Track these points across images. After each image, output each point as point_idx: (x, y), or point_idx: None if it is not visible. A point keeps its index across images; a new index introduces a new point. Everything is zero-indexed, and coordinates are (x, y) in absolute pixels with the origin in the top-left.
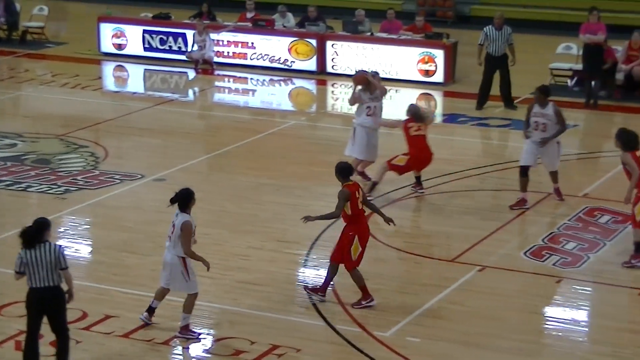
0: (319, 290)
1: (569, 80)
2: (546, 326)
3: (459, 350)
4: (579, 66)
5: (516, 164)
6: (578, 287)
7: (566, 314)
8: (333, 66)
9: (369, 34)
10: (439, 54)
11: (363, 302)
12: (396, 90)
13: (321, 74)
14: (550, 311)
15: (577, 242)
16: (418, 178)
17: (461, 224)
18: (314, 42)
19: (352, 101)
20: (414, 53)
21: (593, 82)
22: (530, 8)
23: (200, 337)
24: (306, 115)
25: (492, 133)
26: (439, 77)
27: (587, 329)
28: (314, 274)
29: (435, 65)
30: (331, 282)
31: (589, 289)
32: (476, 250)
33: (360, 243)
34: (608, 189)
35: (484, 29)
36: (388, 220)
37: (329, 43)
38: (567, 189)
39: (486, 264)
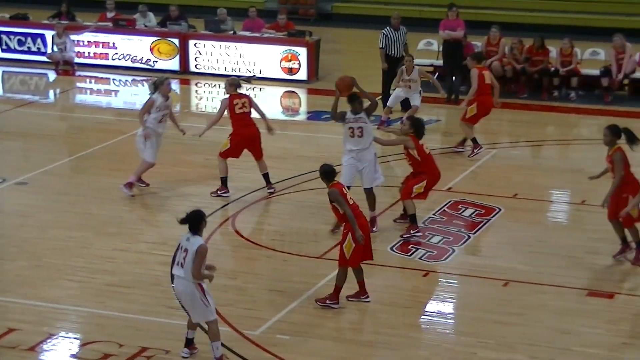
0: (361, 295)
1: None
2: (413, 319)
3: (330, 346)
4: (440, 62)
5: (380, 160)
6: (444, 280)
7: (433, 307)
8: (196, 65)
9: (231, 32)
10: (302, 52)
11: (328, 302)
12: (260, 89)
13: (184, 74)
14: (417, 304)
15: (443, 236)
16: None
17: (329, 220)
18: (176, 41)
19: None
20: (277, 51)
21: (454, 78)
22: (392, 5)
23: None
24: None
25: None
26: (302, 74)
27: (453, 321)
28: None
29: (299, 63)
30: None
31: (455, 281)
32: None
33: (354, 240)
34: (471, 183)
35: (383, 30)
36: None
37: (191, 42)
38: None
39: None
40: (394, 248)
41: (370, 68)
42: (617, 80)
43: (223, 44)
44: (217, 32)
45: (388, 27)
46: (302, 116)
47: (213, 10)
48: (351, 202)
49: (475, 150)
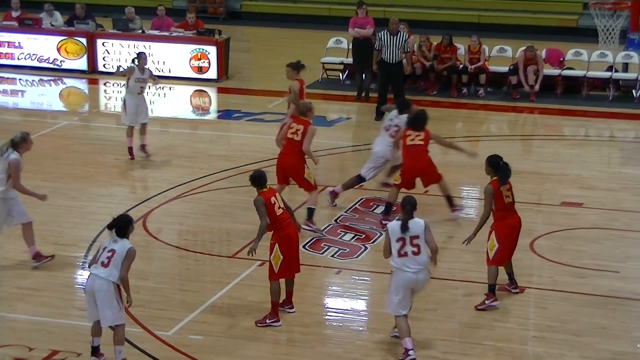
0: (285, 304)
1: (340, 74)
2: (327, 317)
3: (242, 345)
4: (350, 60)
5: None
6: (357, 277)
7: (346, 304)
8: (104, 65)
9: (140, 31)
10: (211, 51)
11: (268, 321)
12: (170, 88)
13: (92, 73)
14: (330, 302)
15: (355, 233)
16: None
17: (240, 219)
18: (83, 40)
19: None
20: (187, 50)
21: (364, 75)
22: (300, 3)
23: None
24: (78, 115)
25: (267, 128)
26: (212, 73)
27: (366, 318)
28: None
29: (208, 62)
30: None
31: (367, 278)
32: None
33: (281, 252)
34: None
35: (378, 34)
36: (298, 227)
37: (99, 41)
38: (343, 181)
39: (266, 258)
40: (306, 246)
41: (280, 67)
42: (533, 91)
43: (131, 43)
44: (125, 31)
45: (385, 31)
46: (212, 115)
47: (121, 9)
48: (279, 212)
49: None
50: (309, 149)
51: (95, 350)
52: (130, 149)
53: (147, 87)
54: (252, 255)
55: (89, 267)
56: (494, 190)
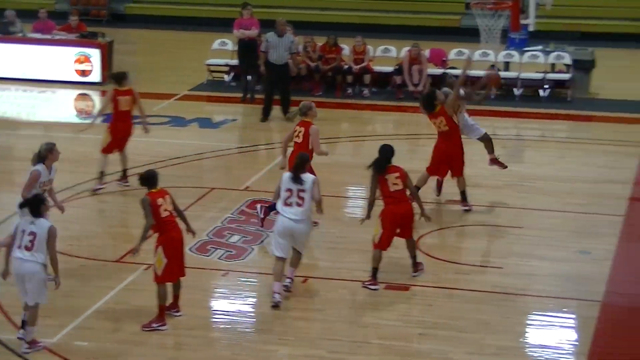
0: (171, 308)
1: (225, 76)
2: (213, 320)
3: (128, 350)
4: (235, 61)
5: (178, 161)
6: (244, 279)
7: (233, 306)
8: None
9: (21, 34)
10: (94, 54)
11: (154, 325)
12: (53, 92)
13: None
14: (217, 304)
15: (241, 235)
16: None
17: (126, 223)
18: None
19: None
20: (70, 53)
21: (249, 77)
22: (185, 5)
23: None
24: None
25: (152, 131)
26: (95, 76)
27: (254, 319)
28: None
29: (92, 65)
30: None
31: (254, 280)
32: (141, 249)
33: (165, 254)
34: (268, 181)
35: (265, 35)
36: (189, 231)
37: None
38: (229, 182)
39: (151, 262)
40: (193, 249)
41: (165, 69)
42: (417, 90)
43: (13, 46)
44: (5, 34)
45: (272, 32)
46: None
47: (0, 12)
48: (165, 214)
49: (99, 186)
50: (320, 150)
51: (24, 324)
52: None
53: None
54: (134, 256)
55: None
56: (374, 178)
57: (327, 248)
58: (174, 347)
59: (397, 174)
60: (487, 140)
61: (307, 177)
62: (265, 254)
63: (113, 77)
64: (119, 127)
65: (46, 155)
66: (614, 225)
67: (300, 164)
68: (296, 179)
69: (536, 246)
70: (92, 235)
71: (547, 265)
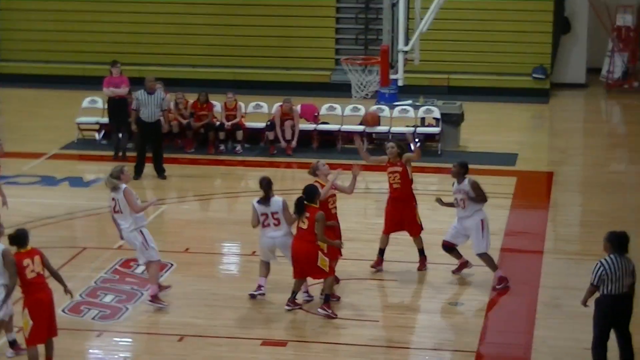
0: None
1: (96, 134)
2: None
3: None
4: (106, 119)
5: (51, 221)
6: (118, 339)
7: None
8: None
9: None
10: None
11: None
12: None
13: None
14: None
15: (115, 294)
16: None
17: None
18: None
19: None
20: None
21: (120, 135)
22: (54, 64)
23: None
24: None
25: (21, 191)
26: None
27: None
28: None
29: None
30: None
31: (130, 340)
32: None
33: (31, 316)
34: None
35: (135, 93)
36: (66, 292)
37: None
38: (102, 241)
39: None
40: (65, 310)
41: (34, 128)
42: (290, 146)
43: None
44: None
45: (142, 90)
46: None
47: None
48: (32, 275)
49: None
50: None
51: (12, 344)
52: None
53: None
54: None
55: None
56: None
57: (202, 305)
58: None
59: (308, 214)
60: None
61: (275, 199)
62: (141, 312)
63: None
64: None
65: (120, 177)
66: (486, 276)
67: (268, 186)
68: (264, 200)
69: (411, 298)
70: None
71: (423, 317)
